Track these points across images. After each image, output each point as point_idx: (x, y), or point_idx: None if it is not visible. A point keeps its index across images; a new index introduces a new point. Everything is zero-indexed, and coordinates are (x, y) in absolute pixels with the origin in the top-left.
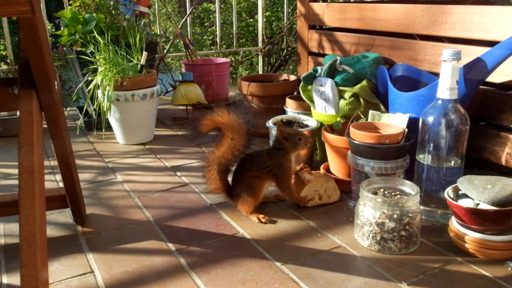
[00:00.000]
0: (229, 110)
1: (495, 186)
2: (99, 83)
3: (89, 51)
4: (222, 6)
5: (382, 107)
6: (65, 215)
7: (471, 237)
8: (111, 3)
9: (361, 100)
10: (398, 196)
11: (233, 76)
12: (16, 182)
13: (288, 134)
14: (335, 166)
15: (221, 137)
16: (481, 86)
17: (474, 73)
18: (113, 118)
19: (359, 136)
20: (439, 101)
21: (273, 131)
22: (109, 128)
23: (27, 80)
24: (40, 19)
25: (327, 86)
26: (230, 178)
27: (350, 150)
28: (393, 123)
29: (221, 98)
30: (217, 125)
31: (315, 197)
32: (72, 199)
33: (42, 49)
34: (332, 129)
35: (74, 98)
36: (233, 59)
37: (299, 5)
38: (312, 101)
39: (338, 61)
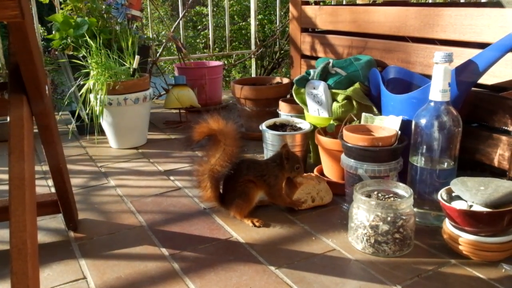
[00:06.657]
0: (223, 116)
1: (488, 188)
2: (91, 87)
3: (81, 55)
4: (214, 9)
5: (375, 109)
6: (57, 221)
7: (465, 239)
8: (103, 6)
9: (354, 102)
10: (392, 199)
11: (226, 79)
12: (7, 187)
13: (291, 157)
14: (329, 169)
15: (214, 144)
16: (473, 88)
17: (466, 75)
18: (105, 122)
19: (352, 138)
20: (432, 103)
21: (267, 134)
22: (101, 132)
23: (18, 85)
24: (30, 24)
25: (320, 89)
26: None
27: (343, 152)
28: (386, 125)
29: (214, 102)
30: (211, 132)
31: (308, 199)
32: (64, 205)
33: (32, 54)
34: (325, 132)
35: (66, 102)
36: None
37: (291, 8)
38: (305, 104)
39: (330, 64)
